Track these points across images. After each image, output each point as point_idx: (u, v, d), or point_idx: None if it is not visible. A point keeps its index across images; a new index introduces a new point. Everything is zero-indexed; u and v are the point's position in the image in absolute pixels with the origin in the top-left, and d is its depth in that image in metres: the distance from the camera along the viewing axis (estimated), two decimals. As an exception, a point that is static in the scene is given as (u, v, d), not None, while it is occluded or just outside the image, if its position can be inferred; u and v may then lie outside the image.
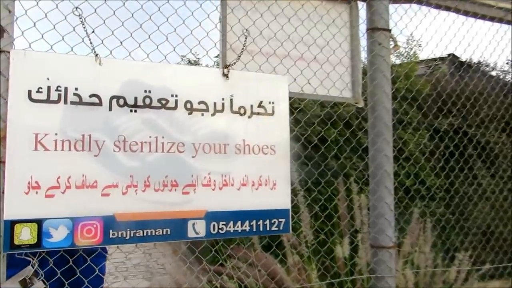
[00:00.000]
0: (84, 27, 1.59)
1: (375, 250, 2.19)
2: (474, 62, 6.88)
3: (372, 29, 2.22)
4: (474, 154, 3.81)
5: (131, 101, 1.63)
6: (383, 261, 2.16)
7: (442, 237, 2.90)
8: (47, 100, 1.50)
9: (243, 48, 1.92)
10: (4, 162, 1.41)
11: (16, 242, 1.41)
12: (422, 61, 7.07)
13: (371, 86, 2.21)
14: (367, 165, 2.26)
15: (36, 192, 1.46)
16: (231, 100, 1.81)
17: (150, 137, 1.65)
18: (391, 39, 2.23)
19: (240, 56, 1.91)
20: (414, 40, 7.45)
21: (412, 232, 2.48)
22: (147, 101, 1.65)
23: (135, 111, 1.63)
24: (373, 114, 2.21)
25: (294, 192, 2.16)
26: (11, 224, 1.41)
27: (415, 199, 3.44)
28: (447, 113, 3.84)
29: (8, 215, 1.41)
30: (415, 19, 2.50)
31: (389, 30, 2.23)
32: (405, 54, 7.57)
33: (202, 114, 1.75)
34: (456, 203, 3.20)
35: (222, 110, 1.79)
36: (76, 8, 1.57)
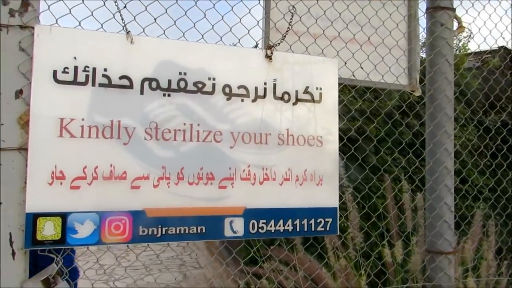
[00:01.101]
0: (115, 2, 1.44)
1: (432, 256, 1.96)
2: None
3: (433, 8, 1.96)
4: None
5: (164, 84, 1.47)
6: (441, 268, 1.93)
7: (508, 243, 2.60)
8: (74, 82, 1.36)
9: (288, 28, 1.73)
10: (27, 150, 1.29)
11: (38, 237, 1.29)
12: (471, 53, 6.62)
13: (431, 71, 1.96)
14: (417, 163, 2.01)
15: (61, 183, 1.33)
16: (274, 84, 1.63)
17: (184, 124, 1.48)
18: (455, 20, 1.97)
19: (285, 36, 1.72)
20: (471, 30, 6.97)
21: (474, 236, 2.22)
22: (182, 84, 1.49)
23: (169, 95, 1.47)
24: (433, 103, 1.96)
25: (341, 189, 1.94)
26: (33, 218, 1.28)
27: (468, 199, 3.14)
28: (497, 109, 3.50)
29: (31, 207, 1.28)
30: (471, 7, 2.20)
31: (454, 9, 1.96)
32: (454, 45, 7.10)
33: (242, 100, 1.58)
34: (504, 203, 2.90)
35: (264, 96, 1.61)
36: (107, -20, 1.42)
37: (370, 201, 2.21)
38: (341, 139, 1.75)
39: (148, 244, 1.53)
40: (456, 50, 7.12)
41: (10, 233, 1.26)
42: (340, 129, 1.73)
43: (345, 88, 2.58)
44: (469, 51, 6.71)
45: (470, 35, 7.07)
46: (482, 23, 2.20)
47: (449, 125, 1.96)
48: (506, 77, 2.82)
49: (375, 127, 3.02)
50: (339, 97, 1.73)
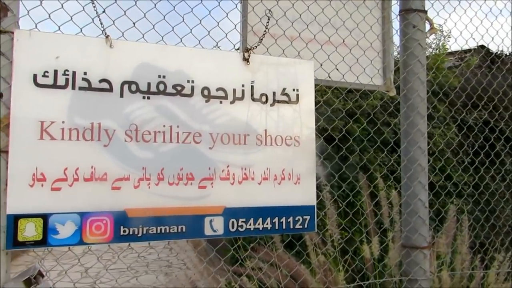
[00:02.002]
0: (94, 7, 1.47)
1: (408, 251, 2.02)
2: (506, 54, 6.52)
3: (406, 11, 2.03)
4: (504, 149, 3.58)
5: (144, 87, 1.50)
6: (416, 263, 2.00)
7: (481, 237, 2.69)
8: (54, 85, 1.39)
9: (265, 31, 1.78)
10: (7, 152, 1.31)
11: (20, 238, 1.31)
12: (452, 53, 6.76)
13: (404, 72, 2.03)
14: (395, 160, 2.08)
15: (42, 185, 1.35)
16: (252, 86, 1.67)
17: (164, 126, 1.52)
18: (427, 21, 2.04)
19: (262, 39, 1.76)
20: (443, 31, 7.11)
21: (448, 231, 2.29)
22: (161, 87, 1.53)
23: (148, 97, 1.51)
24: (406, 103, 2.03)
25: (319, 188, 2.00)
26: (14, 219, 1.31)
27: (442, 196, 3.23)
28: (475, 107, 3.61)
29: (12, 209, 1.31)
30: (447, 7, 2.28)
31: (425, 12, 2.04)
32: (433, 45, 7.23)
33: (221, 102, 1.62)
34: (486, 199, 2.99)
35: (242, 98, 1.65)
36: (85, -15, 1.45)
37: (348, 199, 2.27)
38: (325, 138, 1.80)
39: (129, 244, 1.56)
40: (436, 50, 7.26)
41: (-9, 235, 1.28)
42: (324, 129, 1.78)
43: (327, 88, 2.64)
44: (449, 51, 6.85)
45: (449, 35, 7.22)
46: (459, 22, 2.29)
47: (422, 124, 2.03)
48: (486, 76, 2.91)
49: (356, 126, 3.10)
50: (323, 97, 1.78)
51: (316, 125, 1.79)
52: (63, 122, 1.39)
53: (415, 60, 2.01)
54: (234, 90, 1.64)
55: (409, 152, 2.03)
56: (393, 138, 2.93)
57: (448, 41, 7.08)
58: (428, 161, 3.46)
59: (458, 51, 6.22)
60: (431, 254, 2.12)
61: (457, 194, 3.64)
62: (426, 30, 2.05)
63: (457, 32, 2.48)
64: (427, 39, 2.32)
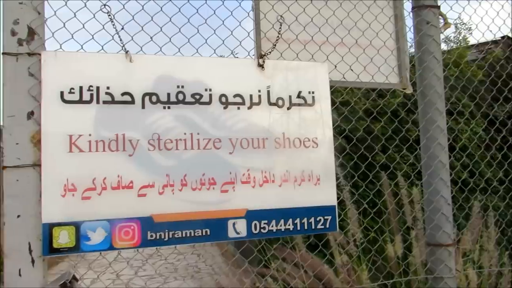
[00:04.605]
0: (113, 25, 1.55)
1: (432, 248, 2.01)
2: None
3: (418, 7, 2.04)
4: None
5: (164, 98, 1.57)
6: (441, 260, 1.99)
7: (508, 233, 2.63)
8: (80, 101, 1.47)
9: (278, 36, 1.82)
10: (40, 165, 1.40)
11: (55, 245, 1.39)
12: (473, 45, 6.61)
13: (420, 69, 2.03)
14: (416, 158, 2.08)
15: (73, 195, 1.43)
16: (268, 91, 1.72)
17: (185, 134, 1.58)
18: (440, 17, 2.04)
19: (275, 44, 1.80)
20: (463, 23, 6.96)
21: (473, 228, 2.26)
22: (180, 96, 1.59)
23: (169, 107, 1.57)
24: (424, 99, 2.03)
25: (339, 188, 2.02)
26: (49, 228, 1.39)
27: (471, 193, 3.17)
28: (496, 100, 3.53)
29: (46, 218, 1.39)
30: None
31: (438, 7, 2.03)
32: (453, 39, 7.09)
33: (238, 108, 1.67)
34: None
35: (259, 103, 1.70)
36: (104, 5, 1.54)
37: (369, 198, 2.27)
38: (344, 137, 1.81)
39: (157, 249, 1.62)
40: (457, 44, 7.11)
41: (29, 243, 1.37)
42: (342, 129, 1.80)
43: (343, 89, 2.65)
44: (470, 44, 6.70)
45: (470, 28, 7.07)
46: (482, 14, 2.26)
47: (441, 120, 2.02)
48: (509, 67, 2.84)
49: (375, 125, 3.09)
50: (340, 98, 1.80)
51: (334, 125, 1.82)
52: (90, 135, 1.47)
53: (431, 56, 2.01)
54: (251, 96, 1.69)
55: (429, 149, 2.02)
56: (414, 135, 2.91)
57: (470, 33, 6.93)
58: (457, 159, 3.41)
59: (480, 43, 6.08)
60: (456, 251, 2.10)
61: (482, 189, 3.56)
62: (440, 26, 2.04)
63: (475, 24, 2.43)
64: (446, 34, 2.31)
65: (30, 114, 1.40)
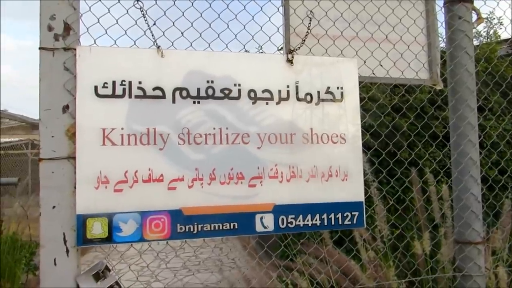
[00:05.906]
0: (145, 20, 1.57)
1: (461, 246, 1.98)
2: None
3: (451, 2, 1.99)
4: None
5: (193, 92, 1.59)
6: (470, 258, 1.96)
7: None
8: (113, 95, 1.50)
9: (307, 32, 1.81)
10: (74, 158, 1.44)
11: (88, 236, 1.43)
12: (505, 40, 6.42)
13: (451, 64, 1.99)
14: (445, 154, 2.04)
15: (106, 187, 1.47)
16: (297, 87, 1.72)
17: (214, 128, 1.60)
18: (473, 11, 1.99)
19: (304, 40, 1.80)
20: (494, 18, 6.76)
21: (503, 226, 2.22)
22: (210, 91, 1.61)
23: (198, 102, 1.59)
24: (455, 95, 1.99)
25: (366, 184, 2.00)
26: (83, 219, 1.43)
27: (501, 191, 3.10)
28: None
29: (80, 210, 1.43)
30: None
31: (471, 1, 1.99)
32: (484, 34, 6.90)
33: (267, 103, 1.67)
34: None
35: (287, 98, 1.70)
36: (137, 1, 1.56)
37: (397, 194, 2.25)
38: (372, 134, 1.80)
39: (185, 241, 1.65)
40: (487, 39, 6.92)
41: (63, 233, 1.41)
42: (370, 125, 1.79)
43: (371, 84, 2.63)
44: (501, 39, 6.52)
45: (501, 23, 6.87)
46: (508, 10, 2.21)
47: (472, 117, 1.98)
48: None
49: (404, 121, 3.05)
50: (368, 93, 1.78)
51: (362, 121, 1.80)
52: (122, 128, 1.50)
53: (462, 51, 1.97)
54: (280, 91, 1.69)
55: (459, 146, 1.99)
56: (442, 132, 2.87)
57: (500, 28, 6.74)
58: (487, 156, 3.33)
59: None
60: (486, 249, 2.06)
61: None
62: (473, 21, 2.00)
63: (508, 19, 2.37)
64: (476, 29, 2.27)
65: (66, 108, 1.44)
